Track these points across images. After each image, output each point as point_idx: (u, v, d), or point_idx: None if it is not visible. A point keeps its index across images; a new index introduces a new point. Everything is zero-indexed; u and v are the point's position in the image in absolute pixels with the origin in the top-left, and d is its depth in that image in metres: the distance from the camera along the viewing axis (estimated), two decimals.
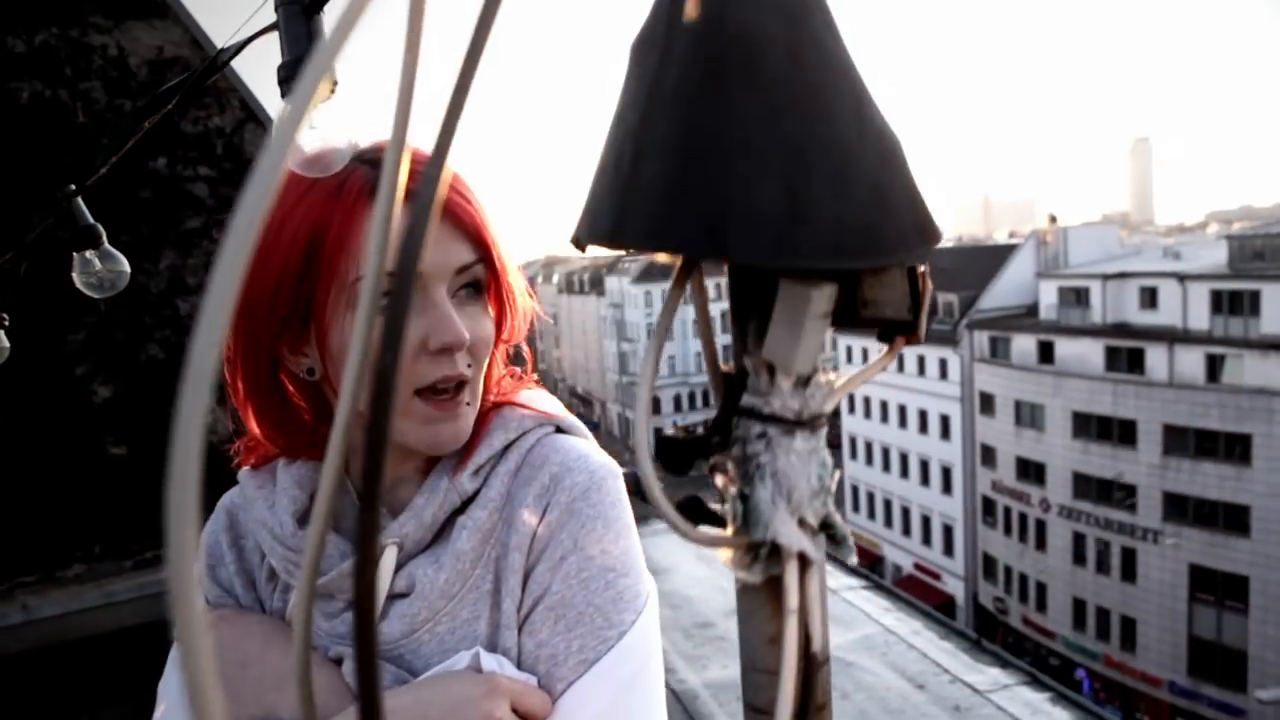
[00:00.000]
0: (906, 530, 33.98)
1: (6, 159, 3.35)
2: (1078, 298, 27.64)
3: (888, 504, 35.00)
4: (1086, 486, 25.62)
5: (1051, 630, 27.00)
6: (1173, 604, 23.22)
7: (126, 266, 0.85)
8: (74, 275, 0.85)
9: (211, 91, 3.59)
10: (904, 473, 33.88)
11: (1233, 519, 21.88)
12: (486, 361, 0.78)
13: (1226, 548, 21.97)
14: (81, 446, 3.48)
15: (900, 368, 33.45)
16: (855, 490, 37.10)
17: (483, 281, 0.76)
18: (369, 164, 0.71)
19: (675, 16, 0.30)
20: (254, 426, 0.82)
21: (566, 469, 0.78)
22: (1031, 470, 27.63)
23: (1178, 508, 23.10)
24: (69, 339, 3.47)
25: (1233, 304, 23.07)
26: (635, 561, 0.76)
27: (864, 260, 0.30)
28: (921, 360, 32.47)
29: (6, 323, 1.25)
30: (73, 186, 0.82)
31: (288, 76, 0.52)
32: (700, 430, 0.34)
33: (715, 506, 0.35)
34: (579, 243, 0.31)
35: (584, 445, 0.82)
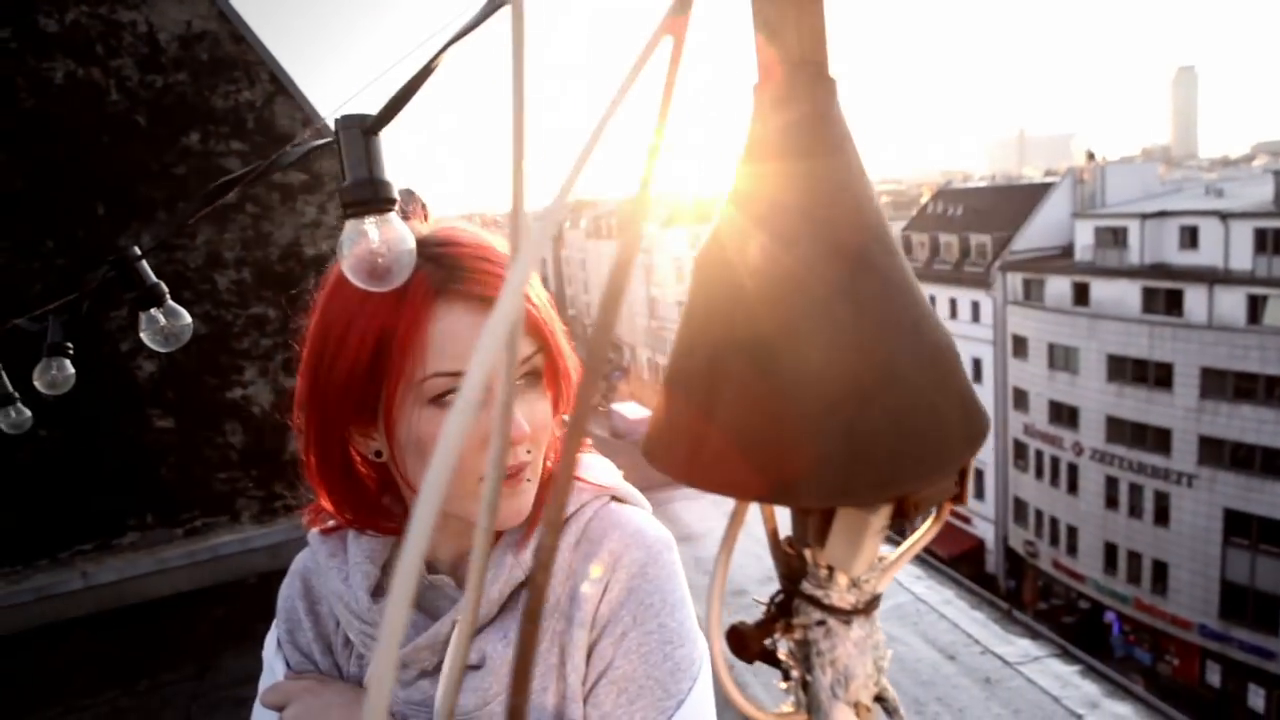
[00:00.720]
0: None
1: (46, 141, 3.39)
2: (1115, 238, 27.05)
3: None
4: (1120, 430, 25.40)
5: (1082, 574, 27.05)
6: (1205, 548, 23.14)
7: (189, 319, 0.88)
8: (141, 333, 0.88)
9: (240, 65, 3.60)
10: None
11: (1270, 463, 21.64)
12: (546, 442, 0.81)
13: (1263, 491, 21.77)
14: (130, 421, 3.58)
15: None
16: None
17: (540, 369, 0.78)
18: (429, 261, 0.73)
19: (735, 250, 0.32)
20: (325, 500, 0.86)
21: (625, 545, 0.82)
22: (1064, 414, 27.42)
23: (1214, 452, 22.87)
24: (112, 315, 3.55)
25: (1277, 243, 22.47)
26: (690, 629, 0.81)
27: (919, 484, 0.32)
28: (954, 303, 32.11)
29: (72, 351, 1.30)
30: (137, 250, 0.84)
31: (353, 200, 0.54)
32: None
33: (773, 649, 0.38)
34: (651, 459, 0.33)
35: (640, 518, 0.85)
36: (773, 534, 0.38)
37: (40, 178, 3.41)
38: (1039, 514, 28.90)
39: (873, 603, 0.36)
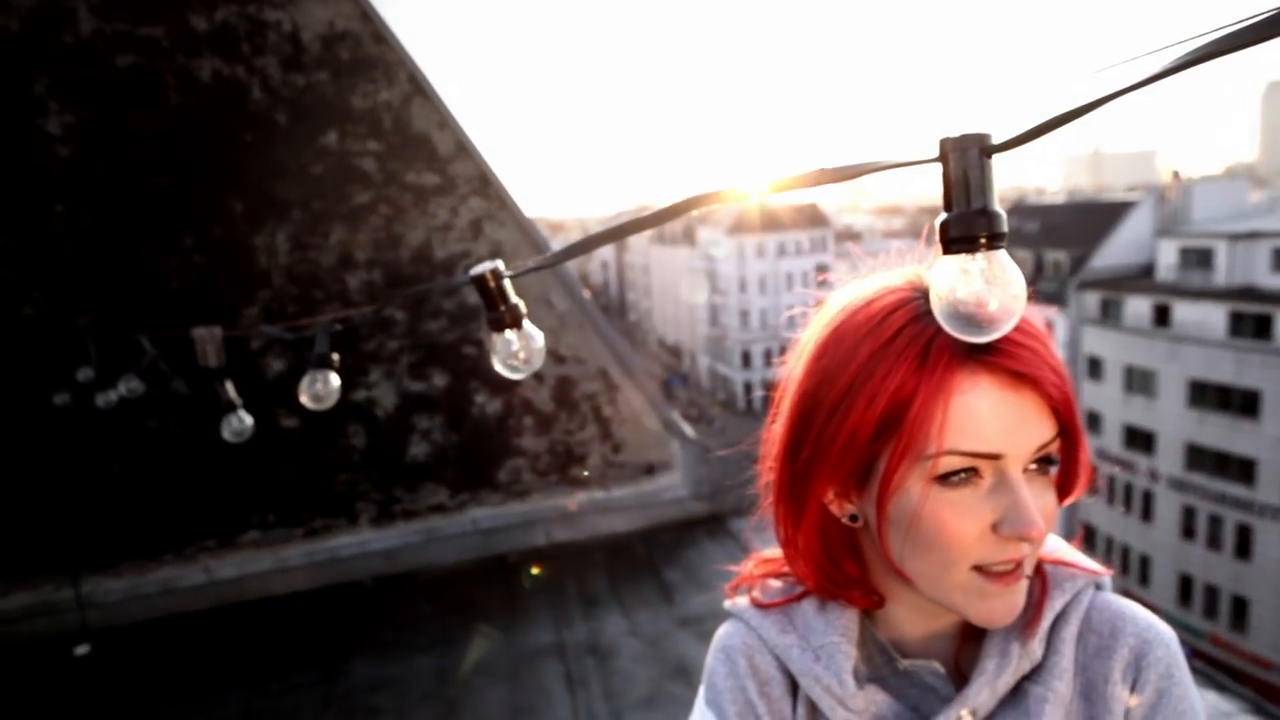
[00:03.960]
0: None
1: (190, 138, 3.42)
2: (1200, 259, 26.12)
3: None
4: (1201, 458, 24.47)
5: (1155, 605, 26.09)
6: None
7: (542, 342, 0.80)
8: (493, 355, 0.80)
9: (380, 65, 3.58)
10: None
11: None
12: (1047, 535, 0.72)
13: None
14: (256, 419, 3.59)
15: None
16: None
17: (1055, 455, 0.69)
18: None
19: None
20: (796, 563, 0.79)
21: (1145, 642, 0.73)
22: (1140, 439, 26.53)
23: None
24: (244, 314, 3.56)
25: None
26: None
27: None
28: None
29: (337, 364, 1.24)
30: (500, 265, 0.77)
31: (963, 235, 0.45)
32: None
33: None
34: None
35: (1142, 610, 0.76)
36: None
37: (183, 175, 3.44)
38: (1109, 541, 28.01)
39: None
